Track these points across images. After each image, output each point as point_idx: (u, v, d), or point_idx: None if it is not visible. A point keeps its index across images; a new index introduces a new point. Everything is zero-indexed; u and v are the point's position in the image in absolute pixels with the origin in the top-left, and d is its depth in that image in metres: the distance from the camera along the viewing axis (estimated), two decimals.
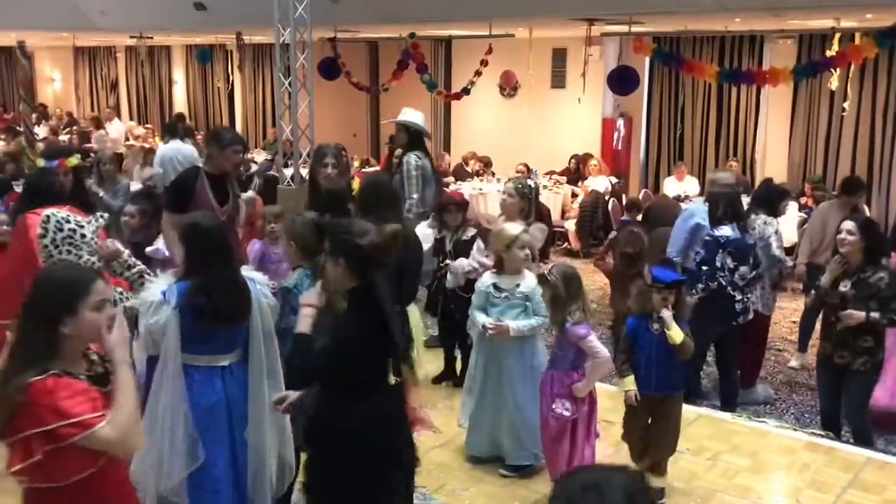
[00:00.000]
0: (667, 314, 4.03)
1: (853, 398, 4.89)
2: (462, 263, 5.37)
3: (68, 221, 3.96)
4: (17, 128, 13.88)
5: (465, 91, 11.82)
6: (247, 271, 3.54)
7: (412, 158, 6.57)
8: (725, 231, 5.30)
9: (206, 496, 3.28)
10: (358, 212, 4.31)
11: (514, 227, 4.47)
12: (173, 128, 9.88)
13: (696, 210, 5.79)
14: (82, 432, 2.16)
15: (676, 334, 4.01)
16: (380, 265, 2.98)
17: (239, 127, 17.83)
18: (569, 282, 4.00)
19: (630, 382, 4.11)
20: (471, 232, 5.49)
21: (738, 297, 5.35)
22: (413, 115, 6.85)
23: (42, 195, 4.29)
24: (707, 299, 5.28)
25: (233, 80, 17.62)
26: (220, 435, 3.29)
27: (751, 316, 5.56)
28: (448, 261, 5.44)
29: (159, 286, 3.28)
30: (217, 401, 3.28)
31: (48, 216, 3.91)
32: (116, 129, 13.23)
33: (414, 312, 4.45)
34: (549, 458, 4.19)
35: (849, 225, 4.74)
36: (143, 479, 3.16)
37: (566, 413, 4.03)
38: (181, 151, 9.03)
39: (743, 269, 5.29)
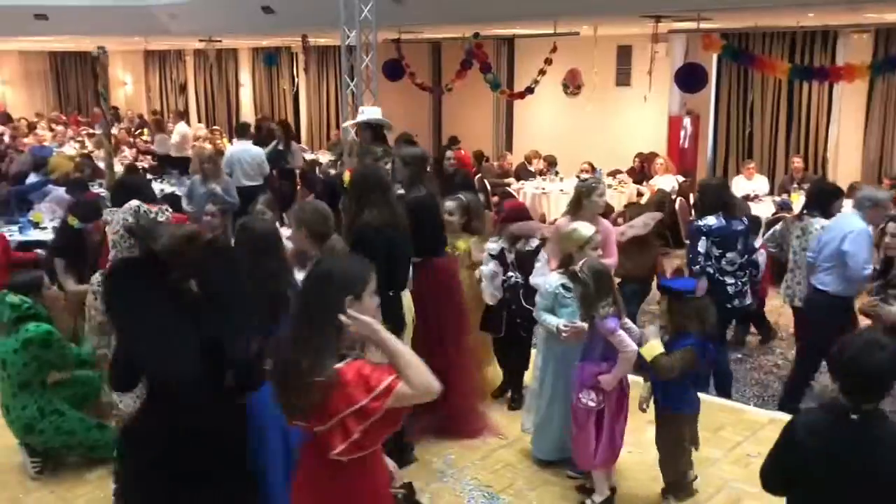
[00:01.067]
0: (650, 329, 4.04)
1: None
2: (491, 268, 5.08)
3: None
4: (94, 130, 14.35)
5: (530, 90, 11.78)
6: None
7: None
8: (709, 220, 5.48)
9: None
10: (350, 201, 4.53)
11: (587, 227, 4.44)
12: (243, 130, 10.07)
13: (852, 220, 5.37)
14: (389, 396, 2.35)
15: (647, 350, 3.93)
16: (175, 267, 3.00)
17: (303, 128, 18.12)
18: (599, 278, 4.02)
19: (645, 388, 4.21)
20: (535, 242, 5.16)
21: (730, 281, 5.47)
22: (372, 112, 6.95)
23: None
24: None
25: (298, 83, 17.88)
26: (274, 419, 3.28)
27: (748, 301, 5.63)
28: (510, 273, 5.09)
29: None
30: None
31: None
32: (179, 132, 13.55)
33: (406, 296, 4.47)
34: (574, 446, 4.23)
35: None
36: None
37: (591, 403, 4.07)
38: (249, 152, 9.23)
39: (730, 255, 5.45)
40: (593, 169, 10.92)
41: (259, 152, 9.36)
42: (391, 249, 4.15)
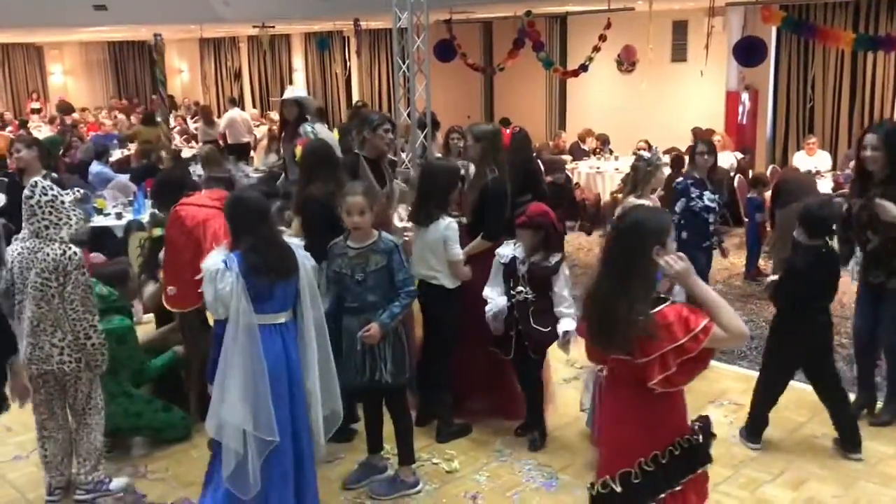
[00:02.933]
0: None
1: (888, 317, 4.61)
2: (499, 303, 4.42)
3: None
4: (156, 117, 14.66)
5: (584, 67, 11.64)
6: (287, 238, 3.75)
7: (308, 127, 7.04)
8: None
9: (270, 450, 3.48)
10: (302, 176, 4.84)
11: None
12: (319, 114, 10.12)
13: None
14: (706, 337, 2.59)
15: None
16: None
17: None
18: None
19: None
20: (555, 257, 4.40)
21: (711, 219, 5.87)
22: (299, 90, 7.03)
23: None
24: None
25: (350, 66, 17.96)
26: (281, 390, 3.49)
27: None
28: (521, 287, 4.42)
29: (218, 257, 3.49)
30: (278, 357, 3.49)
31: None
32: (228, 118, 13.72)
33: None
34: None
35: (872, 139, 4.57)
36: (232, 432, 3.41)
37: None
38: (318, 135, 9.22)
39: (707, 193, 5.84)
40: (649, 146, 10.75)
41: (328, 136, 9.37)
42: (334, 221, 4.22)
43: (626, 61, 13.35)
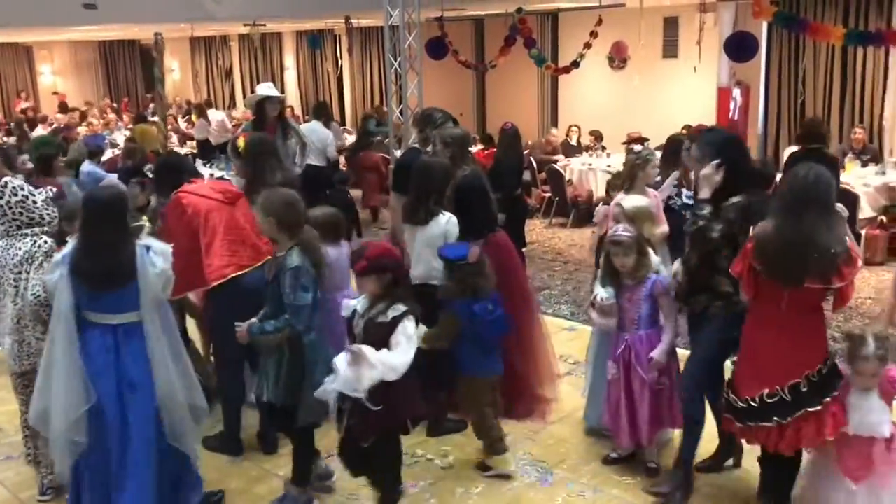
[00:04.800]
0: None
1: (696, 348, 4.00)
2: (347, 377, 3.49)
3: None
4: (147, 116, 14.62)
5: (575, 64, 11.63)
6: (147, 240, 3.64)
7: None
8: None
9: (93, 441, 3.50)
10: (245, 166, 4.99)
11: (644, 200, 4.59)
12: (319, 111, 10.12)
13: None
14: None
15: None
16: None
17: (348, 110, 18.21)
18: (639, 244, 4.14)
19: None
20: (397, 310, 3.54)
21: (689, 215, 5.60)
22: (269, 88, 7.19)
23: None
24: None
25: (342, 64, 17.94)
26: (108, 390, 3.47)
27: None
28: (353, 346, 3.54)
29: (69, 247, 3.54)
30: (106, 357, 3.49)
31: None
32: (214, 118, 13.73)
33: None
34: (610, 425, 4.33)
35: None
36: (44, 418, 3.48)
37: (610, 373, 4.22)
38: (316, 133, 9.19)
39: (685, 191, 5.61)
40: (640, 140, 10.76)
41: (326, 134, 9.36)
42: None
43: (618, 58, 13.37)
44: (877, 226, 8.49)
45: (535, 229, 10.57)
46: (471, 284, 4.11)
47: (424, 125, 5.42)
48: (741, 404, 3.52)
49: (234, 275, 4.23)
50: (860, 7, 10.69)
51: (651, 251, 4.27)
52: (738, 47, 8.98)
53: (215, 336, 4.64)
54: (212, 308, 4.41)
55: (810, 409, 3.37)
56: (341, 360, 3.50)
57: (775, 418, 3.42)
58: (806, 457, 3.61)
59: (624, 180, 5.13)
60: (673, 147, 6.18)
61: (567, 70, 11.87)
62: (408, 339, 3.53)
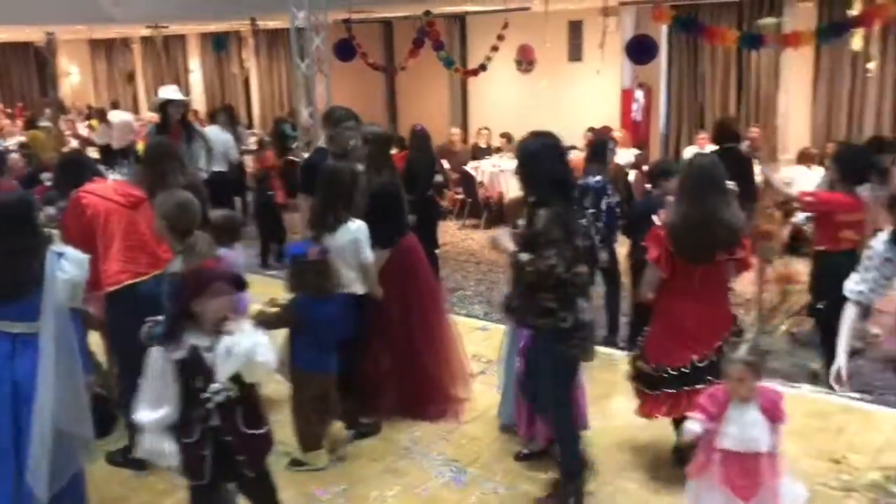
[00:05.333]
0: None
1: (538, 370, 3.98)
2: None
3: None
4: (38, 122, 13.99)
5: (483, 67, 11.76)
6: (59, 246, 3.50)
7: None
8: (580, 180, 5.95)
9: None
10: (146, 171, 4.91)
11: None
12: (217, 115, 9.91)
13: None
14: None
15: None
16: None
17: (256, 113, 17.89)
18: None
19: None
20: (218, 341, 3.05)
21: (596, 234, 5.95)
22: (172, 92, 7.20)
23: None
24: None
25: (248, 67, 17.63)
26: (2, 394, 3.36)
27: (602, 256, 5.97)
28: (216, 385, 3.05)
29: None
30: (3, 362, 3.37)
31: None
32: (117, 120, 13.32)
33: None
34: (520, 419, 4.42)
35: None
36: None
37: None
38: (216, 138, 8.98)
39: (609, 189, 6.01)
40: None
41: (227, 138, 9.19)
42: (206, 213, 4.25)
43: (525, 61, 13.57)
44: (775, 219, 8.84)
45: (449, 231, 10.62)
46: (309, 282, 4.16)
47: (326, 124, 5.37)
48: (672, 372, 3.91)
49: (129, 282, 4.11)
50: (753, 11, 11.16)
51: None
52: (639, 50, 9.24)
53: (112, 345, 4.49)
54: (108, 316, 4.27)
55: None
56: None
57: (708, 378, 3.76)
58: (690, 484, 3.49)
59: None
60: (599, 147, 6.44)
61: (475, 72, 12.00)
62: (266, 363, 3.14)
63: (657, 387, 4.00)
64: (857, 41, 8.36)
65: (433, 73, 13.88)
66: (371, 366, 4.73)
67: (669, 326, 3.99)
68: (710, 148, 10.83)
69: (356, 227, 4.39)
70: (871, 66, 8.75)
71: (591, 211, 5.94)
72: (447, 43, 13.25)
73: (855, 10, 7.78)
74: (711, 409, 3.29)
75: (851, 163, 5.33)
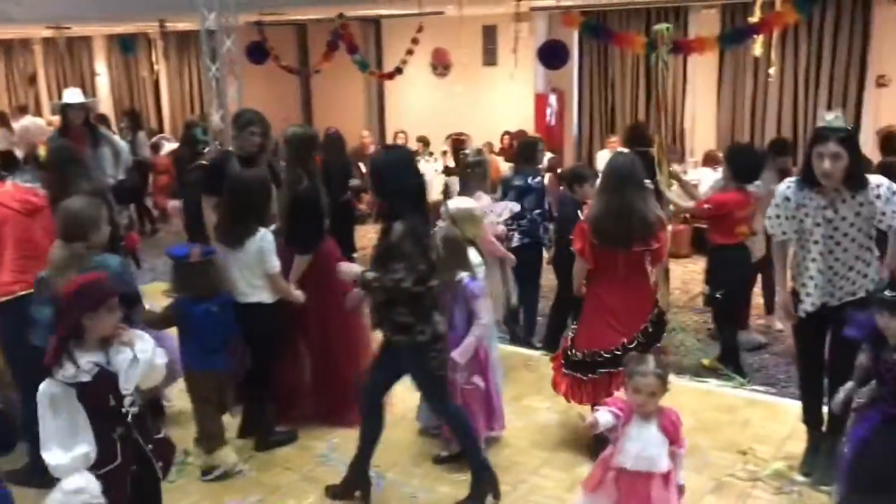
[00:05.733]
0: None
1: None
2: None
3: None
4: None
5: (398, 70, 11.75)
6: None
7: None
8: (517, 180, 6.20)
9: None
10: (48, 176, 4.72)
11: (472, 202, 4.81)
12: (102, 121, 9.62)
13: None
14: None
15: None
16: None
17: (167, 117, 17.44)
18: (452, 247, 4.13)
19: None
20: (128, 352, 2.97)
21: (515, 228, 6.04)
22: (73, 95, 7.07)
23: None
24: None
25: (158, 70, 17.17)
26: None
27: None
28: (129, 397, 3.01)
29: None
30: None
31: None
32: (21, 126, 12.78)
33: None
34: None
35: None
36: None
37: (481, 384, 4.30)
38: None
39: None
40: (463, 141, 10.93)
41: (121, 145, 8.92)
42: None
43: (440, 65, 13.61)
44: (681, 221, 9.12)
45: (367, 235, 10.55)
46: (192, 283, 4.18)
47: (233, 125, 5.27)
48: (606, 356, 4.21)
49: (22, 293, 3.93)
50: (660, 19, 11.48)
51: (473, 251, 4.38)
52: (551, 55, 9.39)
53: (6, 358, 4.29)
54: (0, 328, 4.08)
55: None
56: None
57: None
58: (581, 499, 3.52)
59: (465, 184, 5.36)
60: (529, 148, 6.63)
61: (390, 76, 11.99)
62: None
63: (592, 371, 4.28)
64: (758, 47, 8.65)
65: (349, 76, 13.80)
66: (287, 372, 4.65)
67: (598, 313, 4.32)
68: (606, 152, 11.21)
69: (261, 237, 4.29)
70: (772, 71, 9.09)
71: (536, 211, 6.10)
72: (362, 46, 13.20)
73: (755, 17, 8.07)
74: (621, 411, 3.24)
75: (742, 162, 5.67)
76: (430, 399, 4.05)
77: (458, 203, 4.72)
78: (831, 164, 3.68)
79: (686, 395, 5.20)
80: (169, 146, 12.80)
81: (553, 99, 12.59)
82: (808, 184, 3.84)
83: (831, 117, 3.79)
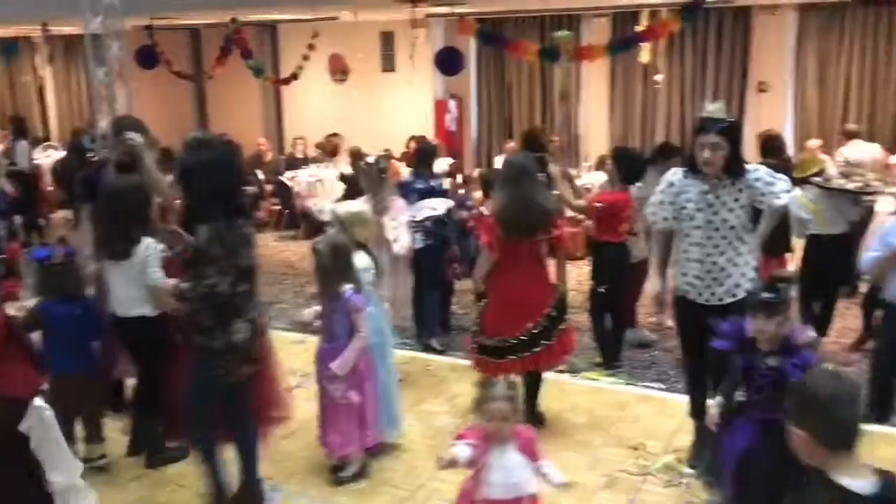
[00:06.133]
0: None
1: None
2: None
3: None
4: None
5: (294, 76, 11.62)
6: None
7: None
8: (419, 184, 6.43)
9: None
10: None
11: (363, 205, 4.91)
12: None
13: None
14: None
15: None
16: None
17: (53, 123, 16.71)
18: (337, 255, 4.07)
19: None
20: None
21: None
22: None
23: None
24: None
25: (43, 75, 16.44)
26: None
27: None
28: None
29: None
30: None
31: None
32: None
33: None
34: (335, 436, 4.34)
35: None
36: None
37: (355, 398, 4.22)
38: None
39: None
40: (360, 154, 10.91)
41: None
42: None
43: (336, 70, 13.53)
44: (577, 223, 9.32)
45: (265, 242, 10.39)
46: (52, 285, 4.18)
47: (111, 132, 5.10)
48: (514, 341, 4.49)
49: None
50: (554, 26, 11.75)
51: (362, 255, 4.38)
52: (446, 62, 9.47)
53: None
54: None
55: (553, 337, 4.54)
56: None
57: (542, 342, 4.50)
58: None
59: (368, 190, 5.50)
60: (428, 154, 6.92)
61: (286, 81, 11.85)
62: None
63: (503, 355, 4.55)
64: (645, 55, 9.01)
65: (245, 82, 13.55)
66: (176, 387, 4.51)
67: (504, 301, 4.58)
68: (502, 157, 11.40)
69: (145, 246, 4.16)
70: (659, 78, 9.46)
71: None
72: (258, 52, 13.00)
73: (641, 26, 8.39)
74: (477, 442, 3.10)
75: (627, 164, 5.96)
76: (228, 412, 3.85)
77: (346, 207, 4.71)
78: (711, 154, 3.86)
79: (580, 394, 5.35)
80: (56, 155, 12.32)
81: (453, 105, 12.69)
82: (692, 172, 4.01)
83: (713, 108, 3.98)
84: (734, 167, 3.92)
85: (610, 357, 6.00)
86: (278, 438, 4.72)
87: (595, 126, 12.10)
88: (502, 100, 12.59)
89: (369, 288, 4.38)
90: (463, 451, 3.09)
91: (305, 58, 11.60)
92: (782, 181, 4.01)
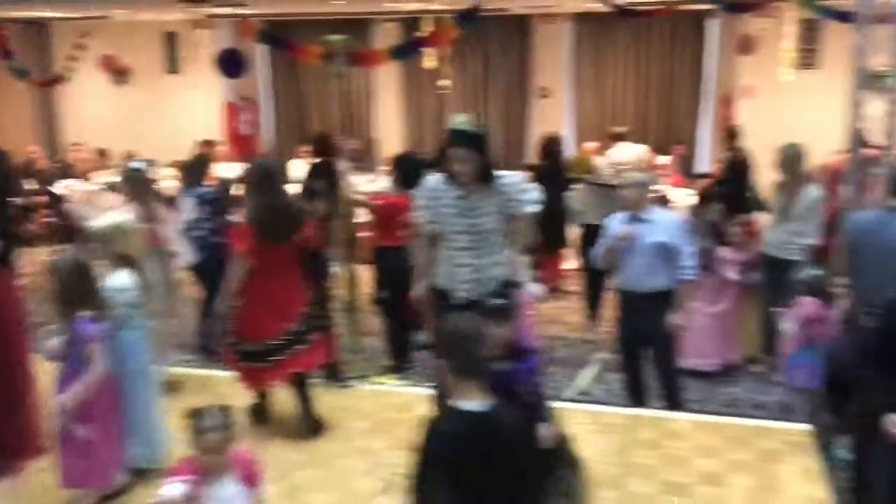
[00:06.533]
0: None
1: None
2: None
3: None
4: None
5: (60, 78, 10.84)
6: None
7: None
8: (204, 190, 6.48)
9: None
10: None
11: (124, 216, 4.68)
12: None
13: None
14: None
15: None
16: None
17: None
18: (76, 276, 3.78)
19: None
20: None
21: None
22: None
23: None
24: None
25: None
26: None
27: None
28: None
29: None
30: None
31: None
32: None
33: None
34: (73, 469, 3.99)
35: None
36: None
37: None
38: None
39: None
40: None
41: None
42: None
43: (111, 71, 12.74)
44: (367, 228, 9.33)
45: (39, 258, 9.56)
46: None
47: None
48: (275, 342, 4.49)
49: None
50: (342, 30, 11.67)
51: (121, 273, 4.10)
52: (227, 64, 9.18)
53: None
54: None
55: (312, 338, 4.62)
56: None
57: (297, 347, 4.54)
58: None
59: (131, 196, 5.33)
60: (199, 164, 6.92)
61: (51, 83, 11.03)
62: None
63: (267, 357, 4.56)
64: (428, 60, 9.17)
65: (11, 84, 12.47)
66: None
67: (260, 306, 4.53)
68: (313, 161, 11.27)
69: None
70: (444, 83, 9.68)
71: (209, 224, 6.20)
72: (24, 52, 11.99)
73: (423, 32, 8.54)
74: (192, 476, 2.94)
75: (405, 169, 6.08)
76: None
77: (102, 219, 4.39)
78: (460, 166, 4.00)
79: (365, 399, 5.34)
80: None
81: (245, 108, 12.33)
82: (449, 178, 4.12)
83: (461, 120, 4.08)
84: (484, 175, 4.06)
85: (399, 360, 6.03)
86: (36, 471, 4.36)
87: (390, 130, 12.20)
88: (299, 102, 12.40)
89: (128, 310, 4.09)
90: (174, 489, 2.89)
91: (72, 58, 10.83)
92: (534, 191, 4.21)
